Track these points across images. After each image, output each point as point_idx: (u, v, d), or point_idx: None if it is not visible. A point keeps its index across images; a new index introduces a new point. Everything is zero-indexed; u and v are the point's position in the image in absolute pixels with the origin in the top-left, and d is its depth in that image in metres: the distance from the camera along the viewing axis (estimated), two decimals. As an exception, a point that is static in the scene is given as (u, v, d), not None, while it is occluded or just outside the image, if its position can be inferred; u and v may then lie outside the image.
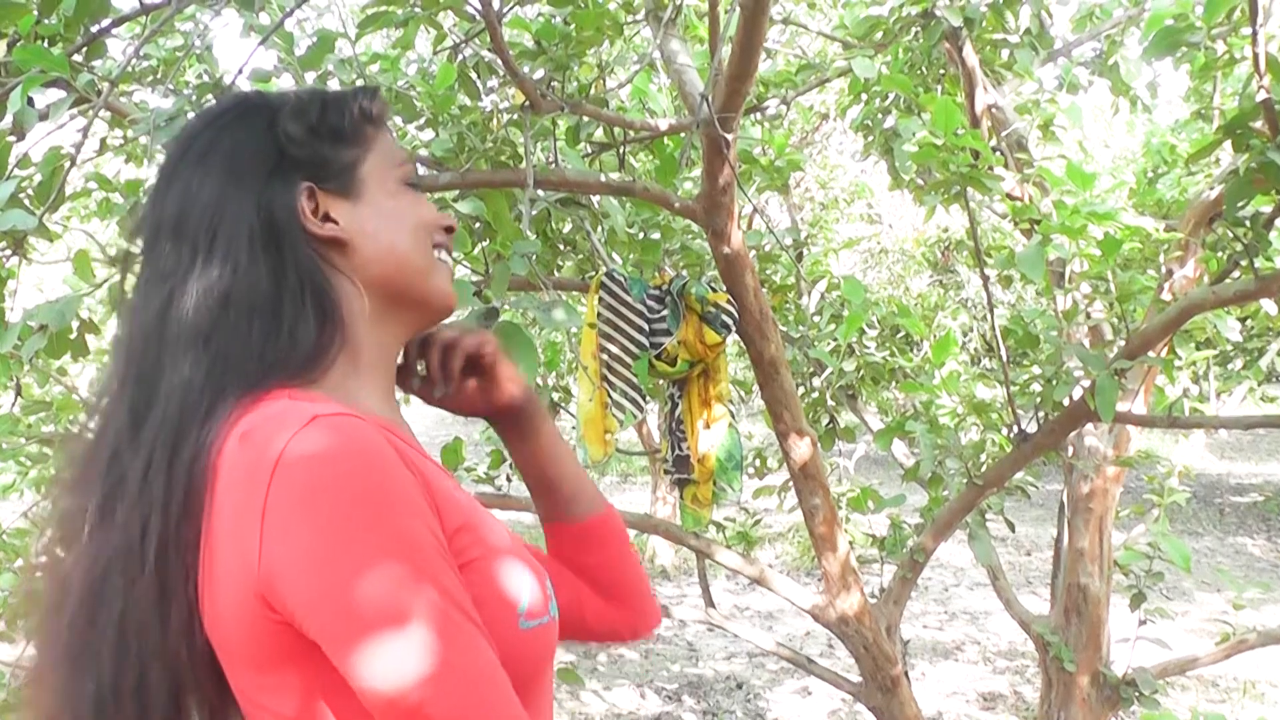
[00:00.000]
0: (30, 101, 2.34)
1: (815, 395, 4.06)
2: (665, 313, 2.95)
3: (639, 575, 1.54)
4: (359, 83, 2.80)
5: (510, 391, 1.45)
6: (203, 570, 1.08)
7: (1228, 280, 2.84)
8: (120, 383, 1.19)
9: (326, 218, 1.23)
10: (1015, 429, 3.23)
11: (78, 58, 2.50)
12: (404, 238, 1.26)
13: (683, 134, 3.12)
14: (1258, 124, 2.47)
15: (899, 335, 4.42)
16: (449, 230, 1.35)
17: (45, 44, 2.44)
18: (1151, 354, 2.96)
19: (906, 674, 3.40)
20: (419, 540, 1.01)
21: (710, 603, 3.90)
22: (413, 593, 0.98)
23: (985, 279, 3.32)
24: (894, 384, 4.28)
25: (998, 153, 3.87)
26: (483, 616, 1.05)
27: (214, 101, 2.44)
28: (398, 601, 0.97)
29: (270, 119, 1.25)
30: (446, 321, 1.40)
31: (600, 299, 2.93)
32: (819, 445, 3.27)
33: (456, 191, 2.92)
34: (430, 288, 1.29)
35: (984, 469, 3.36)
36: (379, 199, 1.26)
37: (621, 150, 3.19)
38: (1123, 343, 2.97)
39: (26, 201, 2.60)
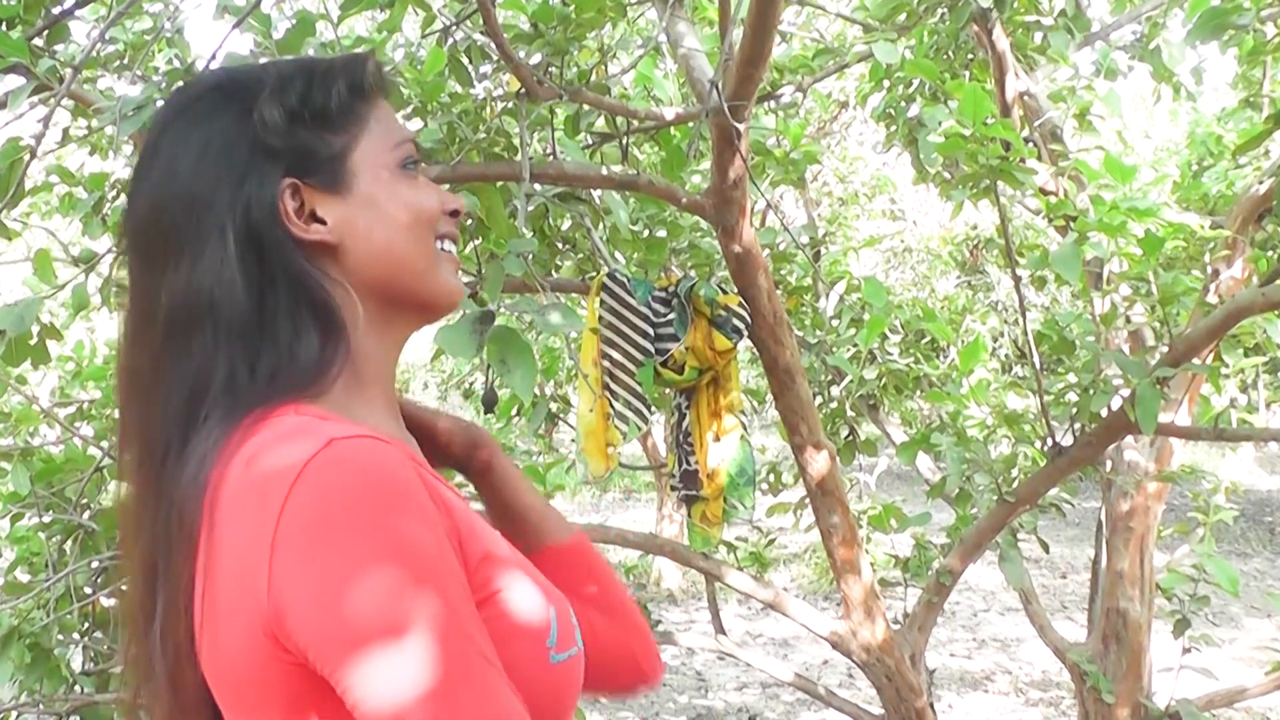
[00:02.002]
0: (-13, 89, 2.35)
1: (834, 405, 4.06)
2: (672, 316, 2.95)
3: (630, 600, 1.53)
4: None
5: (452, 452, 1.44)
6: (199, 606, 1.06)
7: (1278, 281, 2.83)
8: (120, 407, 1.21)
9: (313, 217, 1.19)
10: (1049, 442, 3.22)
11: (38, 42, 2.50)
12: (401, 235, 1.22)
13: (691, 124, 3.12)
14: (1311, 113, 2.47)
15: (924, 341, 4.41)
16: (454, 214, 1.30)
17: (4, 27, 2.44)
18: (1196, 361, 2.95)
19: (932, 706, 3.40)
20: (442, 574, 0.99)
21: (720, 629, 3.90)
22: (436, 630, 0.96)
23: (1017, 280, 3.32)
24: (918, 393, 4.28)
25: (1030, 144, 3.87)
26: (512, 651, 1.04)
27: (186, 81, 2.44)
28: (419, 637, 0.95)
29: (247, 103, 1.20)
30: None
31: (602, 301, 2.93)
32: (838, 459, 3.26)
33: (446, 186, 2.92)
34: (433, 287, 1.25)
35: (1015, 485, 3.36)
36: (371, 191, 1.21)
37: (625, 141, 3.19)
38: (1165, 349, 2.96)
39: (-17, 197, 2.60)
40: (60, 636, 3.12)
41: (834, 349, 3.83)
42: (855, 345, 3.80)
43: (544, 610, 1.12)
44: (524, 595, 1.11)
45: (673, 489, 3.13)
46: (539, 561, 1.45)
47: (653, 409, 2.99)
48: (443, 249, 1.28)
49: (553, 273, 3.64)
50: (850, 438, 4.09)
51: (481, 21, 2.62)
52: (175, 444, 1.10)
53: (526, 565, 1.17)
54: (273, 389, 1.11)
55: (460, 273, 1.31)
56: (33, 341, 2.56)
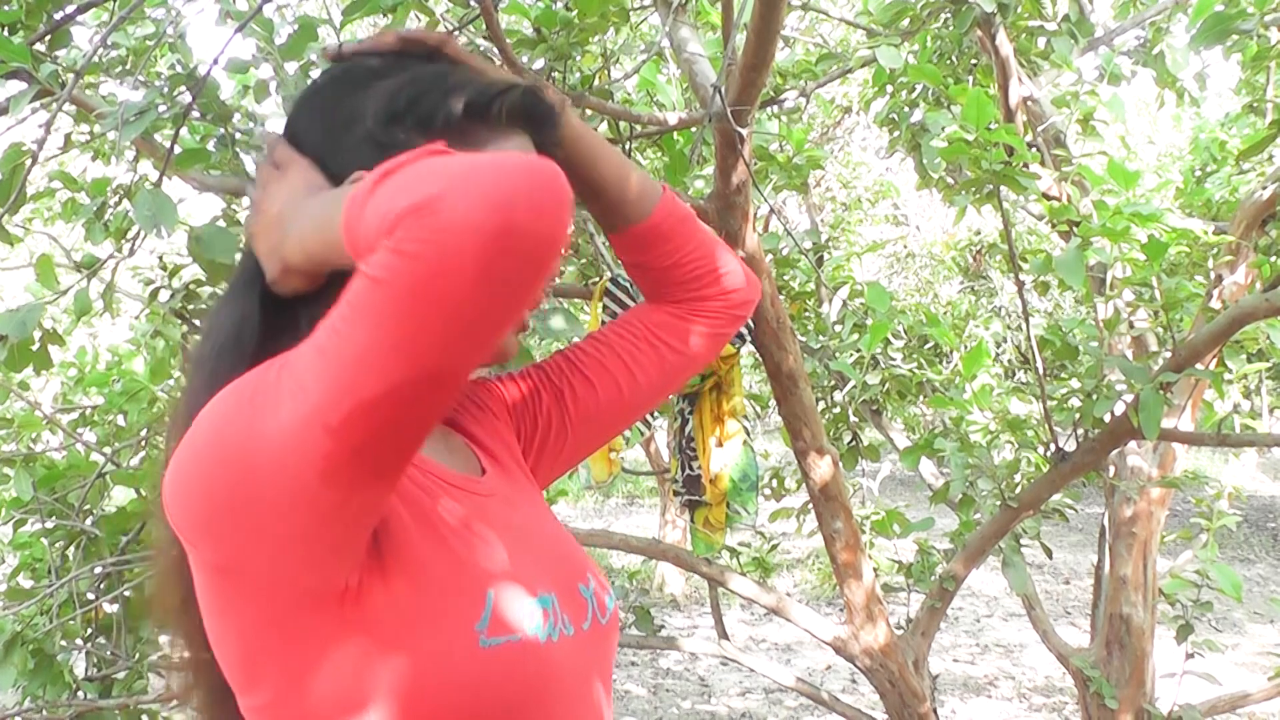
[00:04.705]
0: (-12, 94, 2.34)
1: (837, 410, 4.05)
2: (674, 321, 2.94)
3: (707, 253, 1.53)
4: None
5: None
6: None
7: (1282, 287, 2.83)
8: None
9: None
10: (1052, 447, 3.22)
11: (40, 47, 2.49)
12: None
13: (694, 129, 3.11)
14: (1315, 117, 2.46)
15: (927, 346, 4.40)
16: None
17: (5, 31, 2.43)
18: (1199, 366, 2.94)
19: (935, 711, 3.39)
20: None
21: (724, 634, 3.89)
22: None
23: (1020, 285, 3.31)
24: (922, 398, 4.27)
25: (1033, 149, 3.86)
26: (432, 626, 1.07)
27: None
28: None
29: (355, 88, 1.23)
30: None
31: (604, 307, 2.92)
32: (841, 464, 3.25)
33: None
34: None
35: (1019, 490, 3.35)
36: None
37: (628, 146, 3.18)
38: (1168, 354, 2.96)
39: (-15, 202, 2.59)
40: (63, 642, 3.12)
41: (837, 354, 3.82)
42: (858, 350, 3.79)
43: (473, 591, 1.12)
44: (450, 572, 1.12)
45: (675, 494, 3.11)
46: (620, 243, 1.50)
47: (655, 414, 2.98)
48: None
49: (555, 278, 3.63)
50: (853, 443, 4.08)
51: (484, 26, 2.61)
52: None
53: (479, 541, 1.18)
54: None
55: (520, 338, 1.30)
56: (35, 347, 2.56)
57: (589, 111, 2.94)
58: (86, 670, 3.24)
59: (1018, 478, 3.45)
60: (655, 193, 1.48)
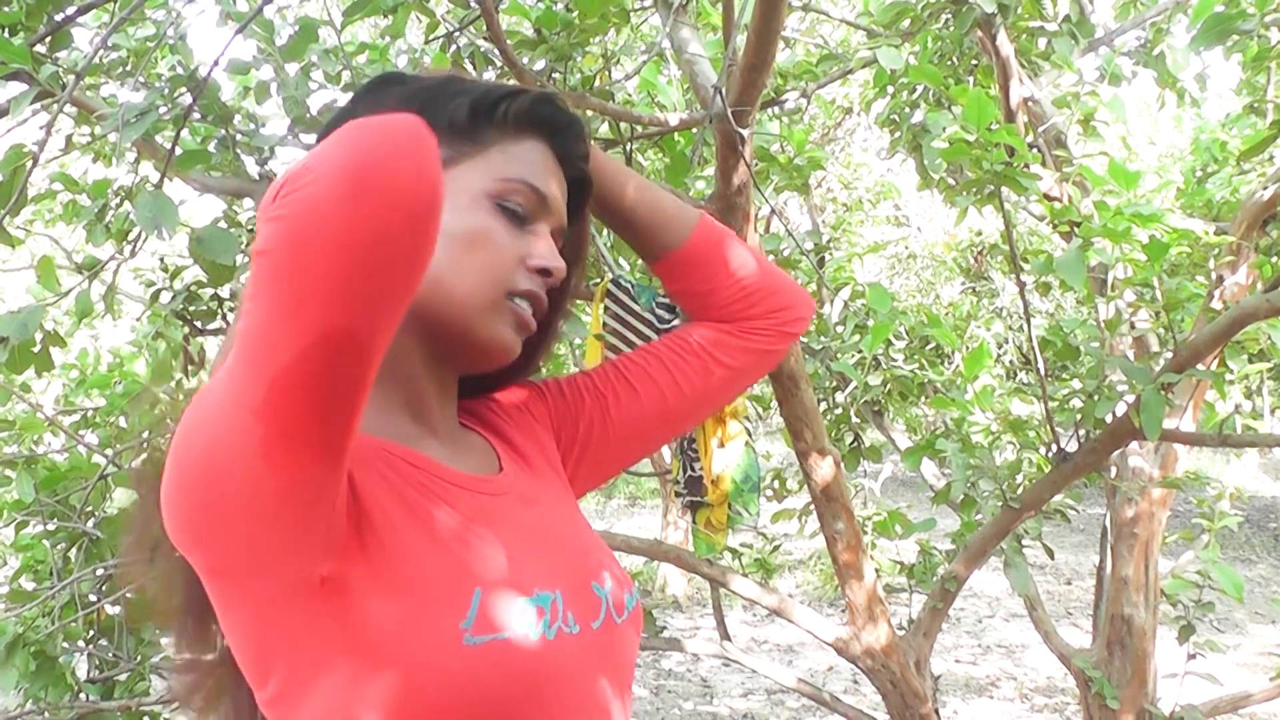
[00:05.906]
0: (-11, 96, 2.34)
1: (838, 411, 4.04)
2: (676, 322, 2.93)
3: (751, 274, 1.55)
4: (344, 75, 2.81)
5: None
6: None
7: (1284, 287, 2.82)
8: None
9: None
10: (1054, 448, 3.21)
11: (41, 48, 2.49)
12: (454, 263, 1.21)
13: (694, 129, 3.11)
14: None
15: (929, 347, 4.39)
16: (544, 273, 1.28)
17: (5, 33, 2.43)
18: (1201, 367, 2.94)
19: (937, 712, 3.38)
20: None
21: (726, 635, 3.89)
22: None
23: (1021, 286, 3.31)
24: (923, 399, 4.26)
25: (1034, 150, 3.85)
26: (414, 620, 1.07)
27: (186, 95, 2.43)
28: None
29: (376, 99, 1.25)
30: None
31: (606, 308, 2.91)
32: (842, 465, 3.25)
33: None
34: (480, 336, 1.25)
35: (1020, 491, 3.34)
36: (448, 213, 1.18)
37: (629, 147, 3.18)
38: (1170, 355, 2.95)
39: (-14, 204, 2.59)
40: (65, 644, 3.12)
41: (838, 355, 3.81)
42: (860, 351, 3.78)
43: (461, 589, 1.11)
44: (439, 571, 1.12)
45: (677, 495, 3.10)
46: (659, 270, 1.53)
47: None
48: (513, 303, 1.26)
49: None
50: (855, 444, 4.07)
51: (485, 27, 2.61)
52: None
53: (474, 540, 1.18)
54: None
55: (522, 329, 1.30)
56: (36, 349, 2.56)
57: (590, 112, 2.95)
58: (88, 672, 3.24)
59: (1019, 478, 3.44)
60: (690, 218, 1.51)
